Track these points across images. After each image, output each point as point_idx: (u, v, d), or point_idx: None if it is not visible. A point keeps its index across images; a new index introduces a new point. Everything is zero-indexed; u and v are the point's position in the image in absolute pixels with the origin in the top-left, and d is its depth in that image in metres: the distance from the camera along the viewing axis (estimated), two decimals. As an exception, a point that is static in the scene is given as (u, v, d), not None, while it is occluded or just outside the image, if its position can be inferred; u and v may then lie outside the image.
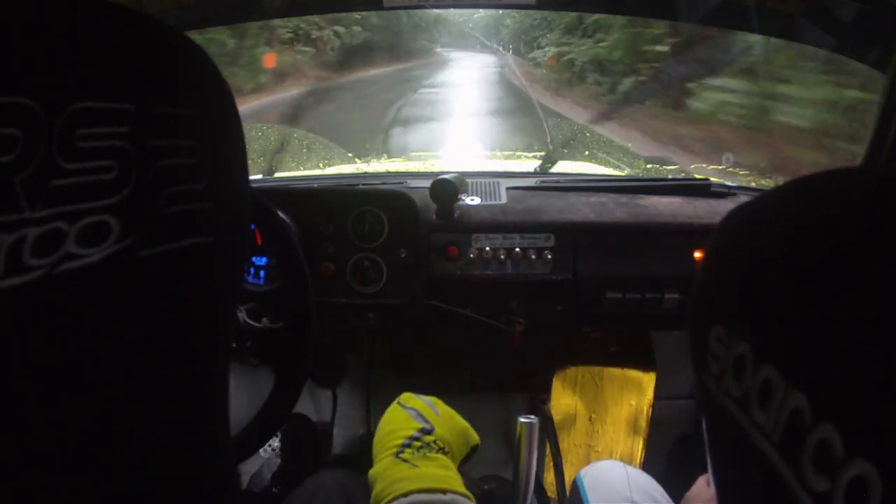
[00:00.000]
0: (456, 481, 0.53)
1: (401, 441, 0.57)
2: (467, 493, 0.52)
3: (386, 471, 0.54)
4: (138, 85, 0.26)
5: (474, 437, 0.64)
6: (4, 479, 0.23)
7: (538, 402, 1.31)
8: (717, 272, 0.27)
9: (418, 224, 0.96)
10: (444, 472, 0.54)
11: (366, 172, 1.39)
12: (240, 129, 0.32)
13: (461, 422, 0.63)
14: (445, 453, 0.57)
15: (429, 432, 0.58)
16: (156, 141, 0.26)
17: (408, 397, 0.64)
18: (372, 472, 0.55)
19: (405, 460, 0.54)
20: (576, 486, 0.84)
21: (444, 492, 0.51)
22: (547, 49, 7.30)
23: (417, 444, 0.57)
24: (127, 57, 0.26)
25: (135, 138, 0.25)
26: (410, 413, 0.61)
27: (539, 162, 1.33)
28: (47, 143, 0.22)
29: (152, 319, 0.27)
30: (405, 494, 0.50)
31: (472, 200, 1.05)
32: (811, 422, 0.18)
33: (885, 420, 0.16)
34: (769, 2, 0.91)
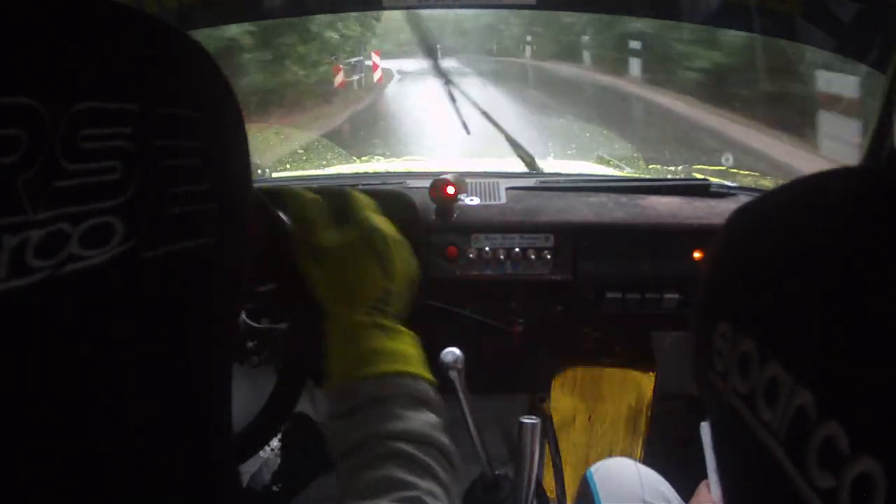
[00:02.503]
0: (421, 363, 0.51)
1: (373, 300, 0.53)
2: (429, 376, 0.51)
3: (360, 332, 0.51)
4: (142, 85, 0.26)
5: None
6: (5, 478, 0.23)
7: (538, 402, 1.31)
8: (722, 270, 0.27)
9: (418, 224, 0.96)
10: (414, 352, 0.52)
11: (366, 172, 1.39)
12: (243, 130, 0.32)
13: (411, 268, 0.59)
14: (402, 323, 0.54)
15: (390, 292, 0.55)
16: (159, 141, 0.26)
17: (370, 230, 0.57)
18: (340, 322, 0.52)
19: (381, 327, 0.51)
20: (586, 482, 0.83)
21: (415, 377, 0.49)
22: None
23: (387, 308, 0.53)
24: (130, 57, 0.26)
25: (138, 139, 0.25)
26: (377, 260, 0.55)
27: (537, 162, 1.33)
28: (50, 143, 0.22)
29: (156, 320, 0.27)
30: (386, 375, 0.48)
31: (471, 200, 1.05)
32: (817, 419, 0.18)
33: (891, 417, 0.16)
34: (769, 2, 0.91)
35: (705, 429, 0.89)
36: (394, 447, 0.44)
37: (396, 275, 0.56)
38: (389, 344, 0.50)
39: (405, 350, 0.51)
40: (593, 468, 0.85)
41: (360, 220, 0.58)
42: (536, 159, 1.28)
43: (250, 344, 0.82)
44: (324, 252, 0.56)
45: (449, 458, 0.46)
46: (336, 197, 0.62)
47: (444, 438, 0.47)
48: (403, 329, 0.53)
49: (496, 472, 1.03)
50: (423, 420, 0.47)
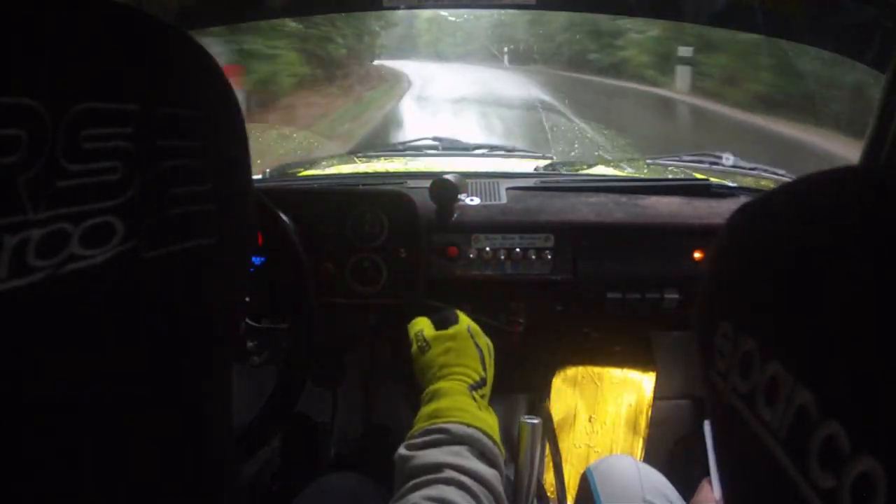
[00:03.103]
0: (498, 438, 0.57)
1: (471, 381, 0.60)
2: (503, 451, 0.55)
3: (458, 395, 0.57)
4: (142, 85, 0.26)
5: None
6: (6, 478, 0.23)
7: (538, 402, 1.31)
8: (723, 270, 0.27)
9: (418, 224, 0.96)
10: (496, 427, 0.57)
11: (366, 172, 1.39)
12: (243, 130, 0.32)
13: (492, 374, 0.66)
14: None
15: (485, 383, 0.62)
16: (160, 142, 0.26)
17: (474, 329, 0.67)
18: (438, 386, 0.58)
19: (475, 399, 0.58)
20: (586, 480, 0.83)
21: (496, 444, 0.54)
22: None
23: (480, 392, 0.60)
24: (130, 57, 0.26)
25: (139, 139, 0.25)
26: (479, 354, 0.63)
27: (538, 162, 1.33)
28: (51, 144, 0.22)
29: (156, 320, 0.27)
30: (473, 427, 0.52)
31: (471, 200, 1.05)
32: (817, 418, 0.18)
33: (892, 416, 0.16)
34: (769, 2, 0.91)
35: (708, 428, 0.89)
36: (456, 478, 0.48)
37: (489, 370, 0.64)
38: (479, 412, 0.56)
39: (490, 421, 0.57)
40: (593, 466, 0.85)
41: (466, 321, 0.68)
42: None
43: (250, 344, 0.82)
44: (435, 339, 0.65)
45: None
46: (441, 312, 0.73)
47: (501, 490, 0.51)
48: (491, 410, 0.59)
49: None
50: (491, 472, 0.51)
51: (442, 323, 0.69)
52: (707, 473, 0.81)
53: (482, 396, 0.60)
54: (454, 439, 0.51)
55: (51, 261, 0.22)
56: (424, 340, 0.66)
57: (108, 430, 0.26)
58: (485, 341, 0.66)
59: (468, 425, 0.53)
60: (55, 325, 0.23)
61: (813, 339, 0.20)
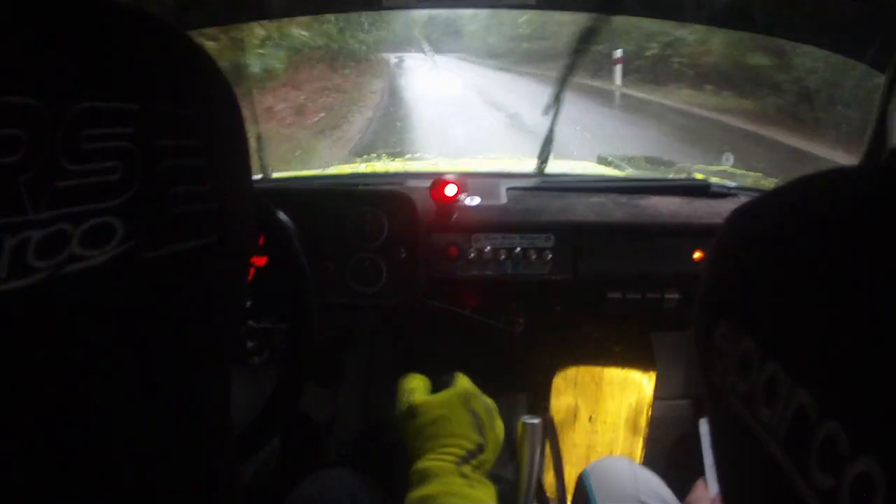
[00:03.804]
0: None
1: (463, 452, 0.56)
2: None
3: (446, 476, 0.53)
4: (142, 85, 0.26)
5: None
6: (7, 478, 0.23)
7: (538, 402, 1.31)
8: (721, 270, 0.27)
9: (418, 224, 0.96)
10: (492, 499, 0.54)
11: (366, 172, 1.39)
12: (243, 129, 0.32)
13: (501, 435, 0.63)
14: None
15: (482, 450, 0.58)
16: (160, 141, 0.26)
17: (468, 393, 0.62)
18: (426, 465, 0.55)
19: (465, 475, 0.54)
20: (581, 482, 0.83)
21: None
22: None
23: (475, 462, 0.56)
24: (130, 57, 0.26)
25: (139, 139, 0.25)
26: (472, 419, 0.60)
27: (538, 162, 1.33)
28: (52, 144, 0.22)
29: (157, 320, 0.27)
30: None
31: (471, 200, 1.05)
32: (816, 418, 0.18)
33: (891, 417, 0.16)
34: (769, 2, 0.91)
35: (703, 426, 0.89)
36: None
37: (488, 433, 0.60)
38: (469, 491, 0.53)
39: (481, 497, 0.53)
40: (589, 468, 0.85)
41: (462, 385, 0.63)
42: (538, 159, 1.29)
43: (250, 344, 0.82)
44: (423, 406, 0.60)
45: None
46: (439, 376, 0.68)
47: None
48: (486, 481, 0.56)
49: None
50: None
51: (437, 385, 0.66)
52: (701, 470, 0.81)
53: (477, 467, 0.56)
54: None
55: (51, 261, 0.22)
56: (412, 406, 0.62)
57: (108, 430, 0.26)
58: (482, 404, 0.62)
59: None
60: (55, 326, 0.23)
61: (812, 340, 0.20)
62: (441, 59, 9.37)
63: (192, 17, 0.97)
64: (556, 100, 1.15)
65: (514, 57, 9.38)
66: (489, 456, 0.59)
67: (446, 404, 0.60)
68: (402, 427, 0.61)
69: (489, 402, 0.63)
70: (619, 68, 6.29)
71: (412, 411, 0.61)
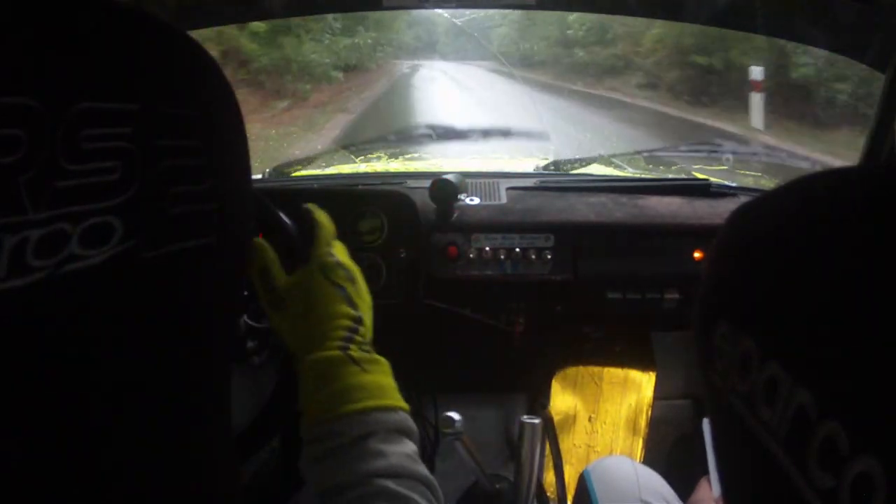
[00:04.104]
0: (398, 393, 0.51)
1: (342, 332, 0.51)
2: (405, 405, 0.50)
3: (336, 369, 0.49)
4: (142, 85, 0.26)
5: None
6: (7, 478, 0.23)
7: (538, 402, 1.31)
8: (722, 270, 0.27)
9: (418, 224, 0.96)
10: (390, 382, 0.51)
11: (366, 172, 1.39)
12: (243, 130, 0.32)
13: (368, 298, 0.58)
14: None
15: (360, 322, 0.54)
16: (160, 141, 0.26)
17: (325, 264, 0.56)
18: (313, 359, 0.50)
19: (354, 360, 0.50)
20: (583, 481, 0.83)
21: (395, 410, 0.49)
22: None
23: (357, 338, 0.52)
24: (130, 57, 0.26)
25: (139, 139, 0.25)
26: (340, 293, 0.54)
27: (538, 162, 1.33)
28: (51, 144, 0.22)
29: (156, 320, 0.27)
30: (365, 411, 0.47)
31: (471, 200, 1.05)
32: (816, 418, 0.18)
33: (891, 416, 0.16)
34: (769, 2, 0.92)
35: (706, 426, 0.89)
36: (379, 485, 0.43)
37: (359, 302, 0.56)
38: (364, 378, 0.50)
39: (380, 381, 0.50)
40: (590, 467, 0.85)
41: (318, 255, 0.57)
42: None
43: (250, 344, 0.82)
44: (284, 294, 0.55)
45: (432, 489, 0.46)
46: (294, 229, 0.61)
47: (423, 470, 0.47)
48: (377, 357, 0.52)
49: (496, 486, 1.04)
50: (404, 452, 0.47)
51: (299, 251, 0.58)
52: (706, 472, 0.81)
53: (361, 342, 0.52)
54: (353, 440, 0.46)
55: (50, 261, 0.22)
56: (275, 290, 0.55)
57: (107, 430, 0.26)
58: (344, 273, 0.56)
59: (362, 411, 0.47)
60: (54, 325, 0.23)
61: (812, 340, 0.20)
62: (464, 70, 7.57)
63: (192, 17, 0.98)
64: None
65: (561, 67, 7.34)
66: (367, 323, 0.55)
67: (310, 285, 0.54)
68: (271, 317, 0.56)
69: (349, 265, 0.58)
70: (758, 99, 3.72)
71: (276, 299, 0.55)
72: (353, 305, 0.55)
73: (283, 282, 0.55)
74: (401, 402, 0.50)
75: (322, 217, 0.60)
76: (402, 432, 0.48)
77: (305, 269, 0.56)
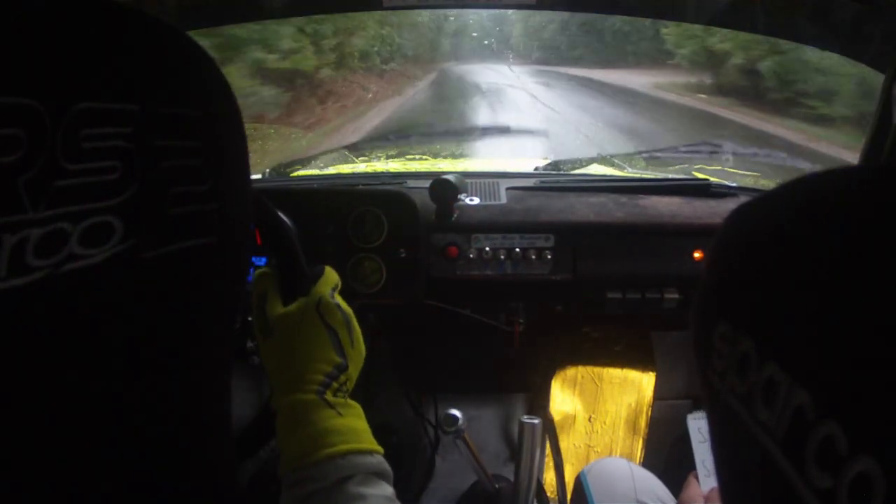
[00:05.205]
0: (371, 436, 0.51)
1: (321, 377, 0.51)
2: (379, 448, 0.51)
3: (311, 412, 0.50)
4: (142, 85, 0.26)
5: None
6: (7, 478, 0.23)
7: (538, 402, 1.31)
8: (721, 270, 0.27)
9: (418, 224, 0.96)
10: (364, 426, 0.51)
11: (366, 172, 1.39)
12: (242, 129, 0.32)
13: (362, 348, 0.58)
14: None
15: (343, 369, 0.54)
16: (160, 141, 0.26)
17: (325, 304, 0.55)
18: (289, 400, 0.50)
19: (330, 404, 0.50)
20: (579, 483, 0.84)
21: (371, 453, 0.49)
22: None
23: (336, 384, 0.52)
24: (130, 57, 0.26)
25: (138, 139, 0.25)
26: (330, 337, 0.54)
27: (538, 162, 1.33)
28: (51, 143, 0.22)
29: (155, 320, 0.27)
30: (342, 455, 0.47)
31: (471, 200, 1.05)
32: (814, 419, 0.18)
33: (889, 416, 0.16)
34: (769, 2, 0.92)
35: (692, 421, 0.90)
36: None
37: (349, 351, 0.55)
38: (339, 421, 0.50)
39: (354, 424, 0.51)
40: (587, 469, 0.85)
41: (320, 291, 0.56)
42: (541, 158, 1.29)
43: (250, 344, 0.82)
44: (275, 323, 0.54)
45: None
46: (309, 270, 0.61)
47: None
48: (351, 402, 0.52)
49: (497, 486, 1.04)
50: (383, 495, 0.47)
51: (300, 286, 0.57)
52: (694, 468, 0.82)
53: (338, 389, 0.52)
54: (333, 484, 0.46)
55: (50, 260, 0.22)
56: (266, 321, 0.55)
57: (107, 430, 0.26)
58: (340, 317, 0.55)
59: (339, 455, 0.47)
60: (54, 325, 0.23)
61: (811, 340, 0.20)
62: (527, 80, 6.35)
63: (192, 17, 0.98)
64: None
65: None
66: (352, 373, 0.55)
67: (301, 321, 0.54)
68: (259, 343, 0.56)
69: (347, 309, 0.57)
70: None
71: (267, 327, 0.55)
72: (342, 352, 0.54)
73: (277, 311, 0.55)
74: (375, 446, 0.50)
75: (329, 268, 0.60)
76: (380, 475, 0.49)
77: (302, 302, 0.55)
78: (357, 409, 0.53)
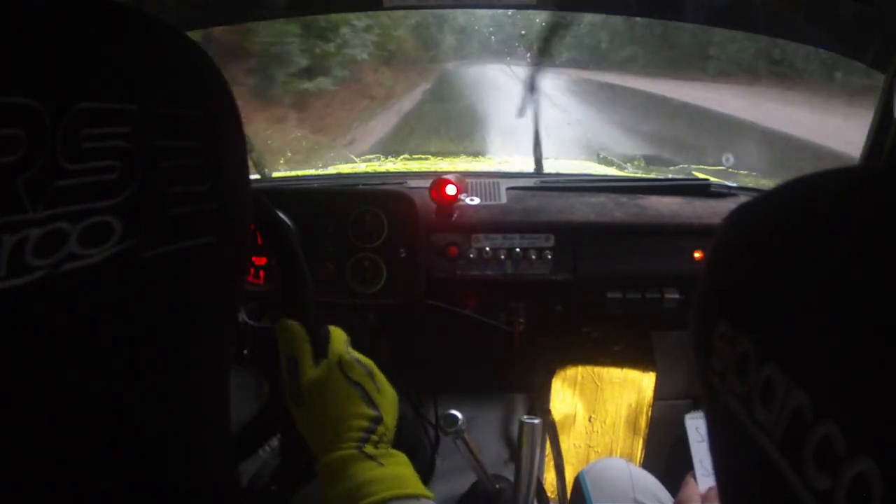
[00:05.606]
0: (418, 481, 0.51)
1: (359, 433, 0.52)
2: (428, 493, 0.50)
3: (351, 467, 0.50)
4: (141, 85, 0.26)
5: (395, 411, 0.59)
6: (7, 478, 0.23)
7: (538, 402, 1.31)
8: (720, 270, 0.27)
9: (418, 224, 0.96)
10: (409, 472, 0.51)
11: (366, 172, 1.39)
12: (242, 130, 0.32)
13: (391, 395, 0.58)
14: (393, 446, 0.54)
15: (379, 421, 0.54)
16: (159, 141, 0.26)
17: (345, 362, 0.56)
18: (329, 459, 0.51)
19: (370, 456, 0.51)
20: (578, 484, 0.84)
21: (417, 497, 0.49)
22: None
23: (374, 437, 0.53)
24: (129, 57, 0.26)
25: (138, 139, 0.25)
26: (358, 392, 0.55)
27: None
28: (51, 143, 0.22)
29: (154, 319, 0.27)
30: (384, 501, 0.47)
31: (471, 200, 1.05)
32: (813, 419, 0.18)
33: (887, 417, 0.16)
34: (769, 2, 0.91)
35: (689, 421, 0.89)
36: None
37: (380, 400, 0.56)
38: (381, 471, 0.50)
39: (399, 472, 0.51)
40: (585, 469, 0.85)
41: (335, 353, 0.57)
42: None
43: (251, 343, 0.82)
44: (305, 391, 0.55)
45: None
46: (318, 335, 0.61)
47: None
48: (393, 451, 0.52)
49: (497, 486, 1.04)
50: None
51: (318, 351, 0.58)
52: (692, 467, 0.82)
53: (378, 441, 0.53)
54: None
55: (49, 260, 0.22)
56: (298, 389, 0.56)
57: (106, 429, 0.26)
58: (361, 371, 0.57)
59: (381, 502, 0.47)
60: (53, 325, 0.23)
61: (810, 340, 0.20)
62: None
63: (192, 17, 0.98)
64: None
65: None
66: (389, 422, 0.55)
67: (327, 384, 0.55)
68: (293, 412, 0.57)
69: (367, 362, 0.59)
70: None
71: (299, 395, 0.56)
72: (372, 404, 0.55)
73: (308, 376, 0.56)
74: (421, 490, 0.50)
75: (334, 327, 0.61)
76: None
77: (325, 364, 0.56)
78: (401, 457, 0.53)
